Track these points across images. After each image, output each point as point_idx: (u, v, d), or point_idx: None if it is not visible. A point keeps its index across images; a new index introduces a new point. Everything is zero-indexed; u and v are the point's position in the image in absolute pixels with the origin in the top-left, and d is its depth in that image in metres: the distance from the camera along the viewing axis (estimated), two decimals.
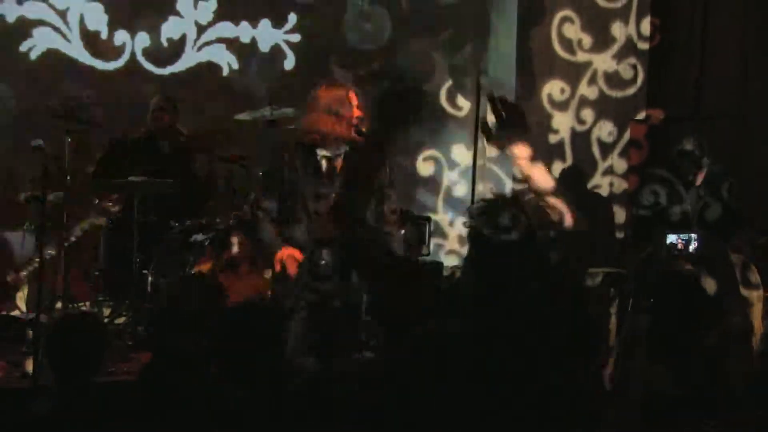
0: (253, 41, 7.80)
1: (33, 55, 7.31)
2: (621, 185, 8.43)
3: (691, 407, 2.85)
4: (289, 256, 5.05)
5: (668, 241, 2.57)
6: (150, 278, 6.52)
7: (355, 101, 5.16)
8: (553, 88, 8.38)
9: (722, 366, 2.84)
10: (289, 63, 7.89)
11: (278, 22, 7.87)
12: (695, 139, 6.65)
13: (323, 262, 5.01)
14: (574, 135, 8.46)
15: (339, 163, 5.18)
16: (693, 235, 2.71)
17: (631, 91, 8.54)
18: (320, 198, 5.12)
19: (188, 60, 7.68)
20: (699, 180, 6.66)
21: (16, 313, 6.27)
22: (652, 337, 2.83)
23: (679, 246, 2.67)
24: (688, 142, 6.63)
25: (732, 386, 2.81)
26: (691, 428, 2.77)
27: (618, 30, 8.45)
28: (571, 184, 8.39)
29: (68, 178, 6.12)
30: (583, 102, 8.47)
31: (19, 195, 6.44)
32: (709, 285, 2.95)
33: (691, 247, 2.74)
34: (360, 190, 5.16)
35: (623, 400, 2.76)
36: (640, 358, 2.78)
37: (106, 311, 6.68)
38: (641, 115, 8.50)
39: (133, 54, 7.53)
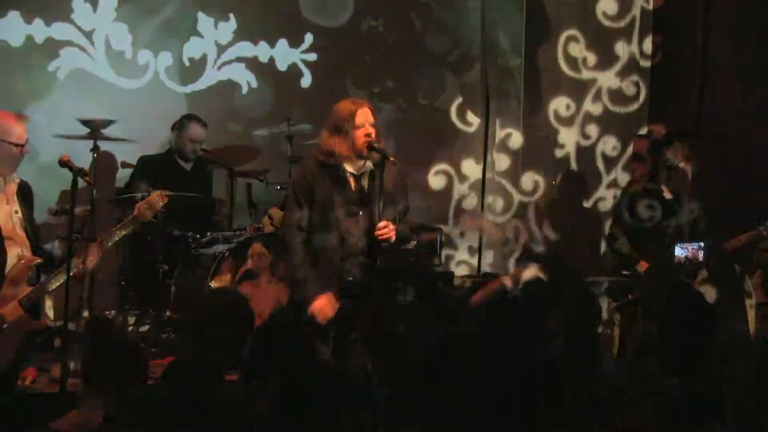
0: (271, 60, 7.98)
1: (60, 75, 7.45)
2: None
3: (700, 412, 2.98)
4: (321, 309, 4.83)
5: (675, 251, 2.74)
6: (173, 288, 6.72)
7: (366, 117, 4.93)
8: (559, 105, 8.54)
9: (728, 371, 2.96)
10: (306, 81, 8.07)
11: (295, 41, 8.03)
12: (682, 152, 6.65)
13: (351, 279, 4.91)
14: (580, 149, 8.61)
15: (366, 181, 5.01)
16: (699, 245, 2.88)
17: (634, 107, 8.67)
18: (352, 216, 4.95)
19: (209, 78, 7.83)
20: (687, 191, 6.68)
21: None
22: (664, 344, 2.95)
23: (686, 255, 2.84)
24: (674, 155, 6.63)
25: (737, 390, 2.93)
26: None
27: (621, 48, 8.60)
28: (577, 196, 8.64)
29: (94, 192, 6.32)
30: (588, 118, 8.61)
31: (50, 208, 6.60)
32: (715, 293, 3.11)
33: (698, 257, 2.92)
34: (388, 207, 4.98)
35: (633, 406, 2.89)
36: (651, 365, 2.94)
37: (131, 319, 6.88)
38: (644, 131, 8.61)
39: (156, 73, 7.67)
